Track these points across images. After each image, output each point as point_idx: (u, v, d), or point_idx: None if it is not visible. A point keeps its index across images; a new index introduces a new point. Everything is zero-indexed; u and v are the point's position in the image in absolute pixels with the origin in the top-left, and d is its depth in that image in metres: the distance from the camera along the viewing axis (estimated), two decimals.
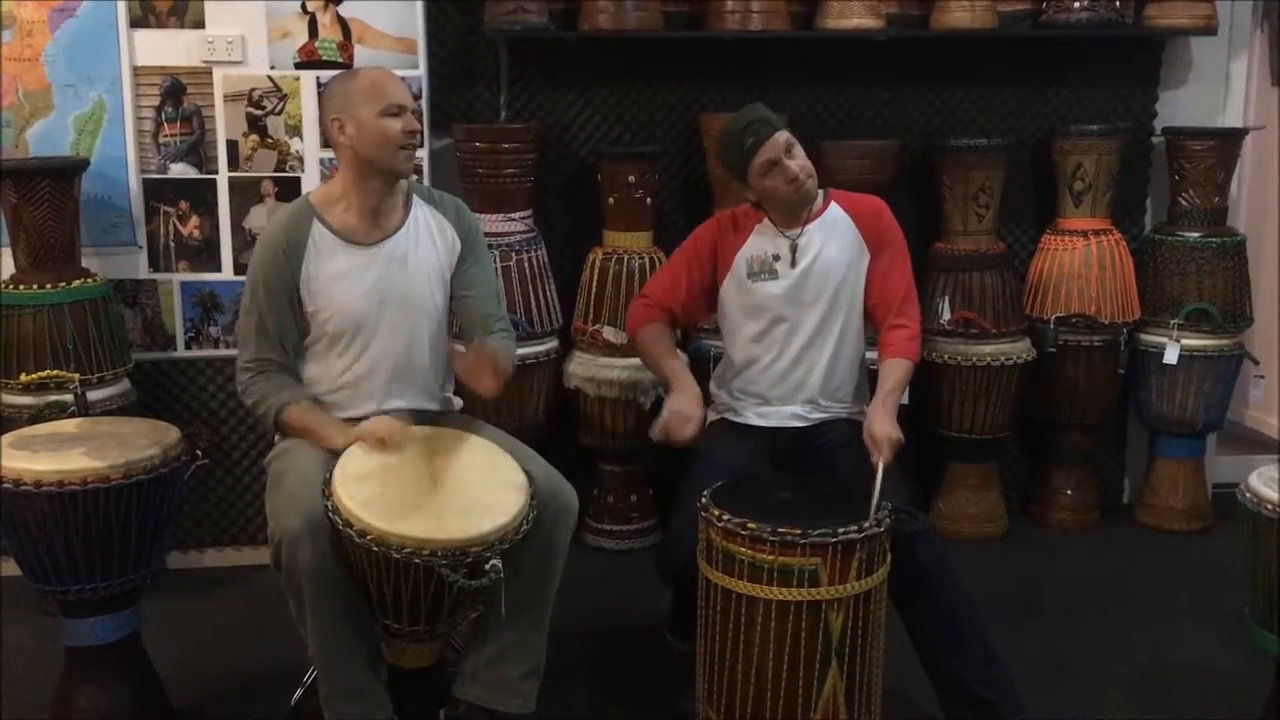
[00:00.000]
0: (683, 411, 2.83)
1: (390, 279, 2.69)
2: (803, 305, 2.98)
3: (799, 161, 2.93)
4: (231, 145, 3.65)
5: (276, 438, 2.78)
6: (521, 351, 3.52)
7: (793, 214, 3.00)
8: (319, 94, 3.54)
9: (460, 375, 2.67)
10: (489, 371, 2.56)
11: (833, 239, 3.00)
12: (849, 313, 3.00)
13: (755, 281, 3.01)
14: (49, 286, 3.41)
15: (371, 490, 2.40)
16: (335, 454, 2.55)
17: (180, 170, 3.65)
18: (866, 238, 3.01)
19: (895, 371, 2.91)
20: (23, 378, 3.38)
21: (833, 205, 3.05)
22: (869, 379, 3.08)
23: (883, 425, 2.73)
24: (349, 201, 2.69)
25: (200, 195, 3.66)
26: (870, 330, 3.07)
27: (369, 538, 2.31)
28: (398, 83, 2.69)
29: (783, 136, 2.92)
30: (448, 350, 2.79)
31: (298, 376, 2.72)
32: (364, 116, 2.61)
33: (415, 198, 2.78)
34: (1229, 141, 4.07)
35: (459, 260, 2.79)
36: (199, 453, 2.81)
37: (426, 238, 2.76)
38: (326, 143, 3.62)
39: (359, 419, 2.66)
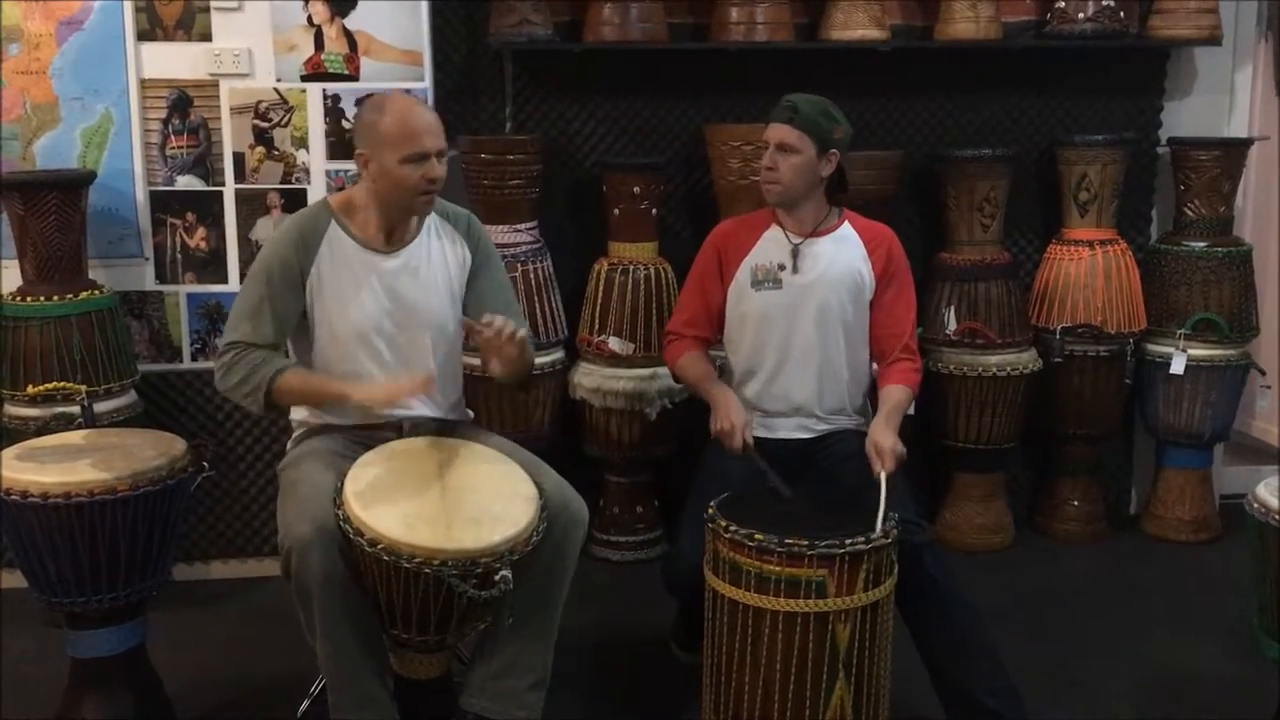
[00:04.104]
0: (721, 430, 2.85)
1: (401, 289, 2.69)
2: (801, 318, 2.98)
3: (777, 164, 2.92)
4: (238, 157, 3.65)
5: (290, 444, 2.78)
6: None
7: (800, 218, 3.00)
8: (353, 116, 3.53)
9: (481, 346, 2.62)
10: (506, 344, 2.53)
11: (841, 257, 3.00)
12: (849, 333, 3.00)
13: (759, 290, 3.01)
14: (56, 298, 3.41)
15: (382, 499, 2.40)
16: (346, 458, 2.55)
17: (187, 182, 3.66)
18: (875, 264, 3.01)
19: (896, 395, 2.92)
20: (30, 389, 3.39)
21: (846, 225, 3.05)
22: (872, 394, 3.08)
23: (885, 436, 2.74)
24: (368, 216, 2.69)
25: (207, 207, 3.67)
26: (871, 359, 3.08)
27: (380, 547, 2.31)
28: (426, 124, 2.59)
29: (784, 132, 2.91)
30: (469, 339, 2.75)
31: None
32: (386, 161, 2.58)
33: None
34: (1234, 151, 4.07)
35: (470, 274, 2.79)
36: (205, 464, 2.80)
37: (439, 250, 2.76)
38: (332, 155, 3.67)
39: (366, 427, 2.67)
